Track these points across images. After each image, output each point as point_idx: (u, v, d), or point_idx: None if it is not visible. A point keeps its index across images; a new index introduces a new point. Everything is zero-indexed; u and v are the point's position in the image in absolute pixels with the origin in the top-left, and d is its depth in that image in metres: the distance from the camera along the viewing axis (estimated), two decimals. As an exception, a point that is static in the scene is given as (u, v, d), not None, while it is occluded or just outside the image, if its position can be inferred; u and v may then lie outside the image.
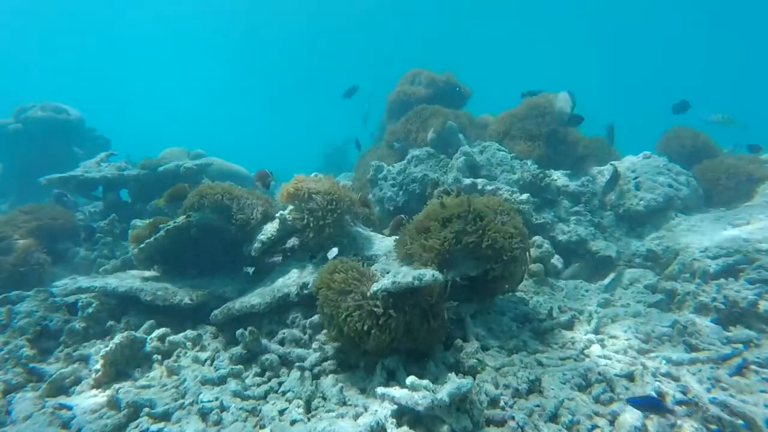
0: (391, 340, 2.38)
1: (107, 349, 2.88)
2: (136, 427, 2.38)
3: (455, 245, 2.72)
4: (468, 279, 2.80)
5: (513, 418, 2.09)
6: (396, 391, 2.13)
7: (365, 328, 2.35)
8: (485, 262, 2.75)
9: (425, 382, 2.15)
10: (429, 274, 2.37)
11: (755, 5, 27.86)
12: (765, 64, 36.11)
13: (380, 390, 2.18)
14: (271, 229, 3.57)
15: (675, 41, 36.34)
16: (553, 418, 2.13)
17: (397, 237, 3.20)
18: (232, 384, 2.63)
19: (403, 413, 2.12)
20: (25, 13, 33.02)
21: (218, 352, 3.07)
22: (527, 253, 2.96)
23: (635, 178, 5.02)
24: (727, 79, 37.35)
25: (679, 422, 2.11)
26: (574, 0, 31.43)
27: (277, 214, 3.61)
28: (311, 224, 3.36)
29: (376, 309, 2.35)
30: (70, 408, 2.59)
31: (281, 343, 2.95)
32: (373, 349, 2.43)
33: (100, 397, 2.70)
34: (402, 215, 3.33)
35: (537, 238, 4.31)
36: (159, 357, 3.04)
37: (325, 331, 2.81)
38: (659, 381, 2.40)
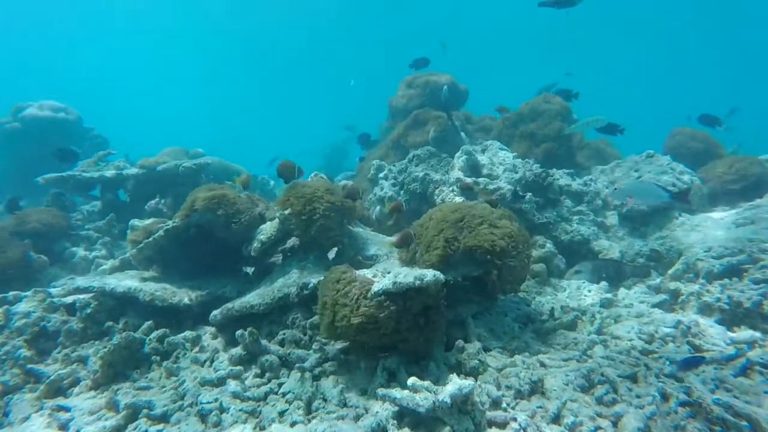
0: (391, 341, 2.36)
1: (105, 350, 2.86)
2: (135, 428, 2.35)
3: (453, 251, 2.70)
4: (469, 279, 2.77)
5: (515, 419, 2.07)
6: (397, 393, 2.10)
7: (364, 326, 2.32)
8: (484, 264, 2.72)
9: (426, 383, 2.13)
10: (430, 274, 2.35)
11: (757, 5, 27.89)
12: (763, 63, 36.14)
13: (381, 391, 2.16)
14: (271, 228, 3.54)
15: (677, 40, 36.34)
16: (556, 419, 2.11)
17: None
18: (232, 385, 2.60)
19: (404, 415, 2.09)
20: (23, 12, 33.04)
21: (217, 353, 3.05)
22: (528, 254, 2.92)
23: (638, 177, 4.99)
24: (730, 79, 37.32)
25: (682, 423, 2.09)
26: (575, -1, 31.37)
27: (277, 214, 3.58)
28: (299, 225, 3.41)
29: (375, 308, 2.33)
30: (68, 409, 2.57)
31: (281, 344, 2.93)
32: (371, 348, 2.41)
33: (98, 398, 2.68)
34: (410, 231, 3.16)
35: (539, 238, 4.29)
36: (158, 358, 3.01)
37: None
38: (663, 382, 2.37)
